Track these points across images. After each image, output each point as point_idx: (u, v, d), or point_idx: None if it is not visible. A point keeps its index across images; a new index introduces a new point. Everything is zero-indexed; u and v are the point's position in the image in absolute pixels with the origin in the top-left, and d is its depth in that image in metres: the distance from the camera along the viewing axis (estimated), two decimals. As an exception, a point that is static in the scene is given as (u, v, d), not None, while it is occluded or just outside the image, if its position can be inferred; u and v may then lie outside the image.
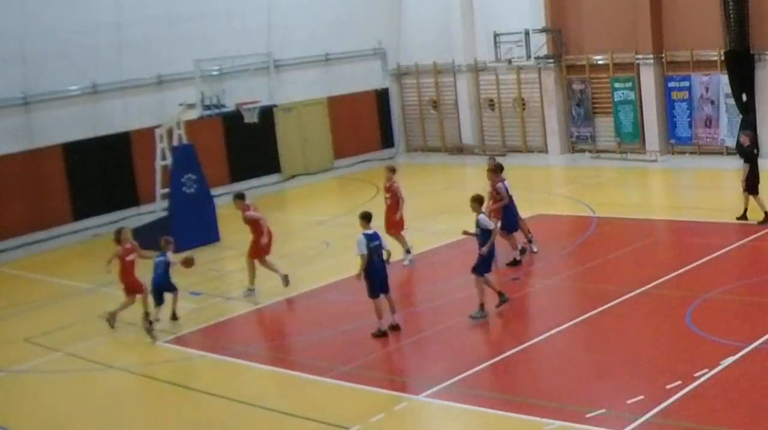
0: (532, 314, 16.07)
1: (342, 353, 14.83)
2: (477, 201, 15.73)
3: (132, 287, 16.78)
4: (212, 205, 23.20)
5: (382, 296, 15.30)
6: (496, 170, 18.76)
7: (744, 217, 20.08)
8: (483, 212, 15.86)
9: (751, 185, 19.93)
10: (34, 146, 25.07)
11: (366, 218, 15.51)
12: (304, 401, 13.17)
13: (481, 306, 15.47)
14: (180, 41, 27.28)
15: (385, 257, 15.36)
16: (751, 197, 19.98)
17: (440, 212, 21.00)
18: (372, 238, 15.15)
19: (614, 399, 11.91)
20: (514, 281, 17.59)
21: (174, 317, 17.01)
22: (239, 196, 18.67)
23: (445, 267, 19.05)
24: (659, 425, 11.12)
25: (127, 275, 16.75)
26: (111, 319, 16.90)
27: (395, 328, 15.27)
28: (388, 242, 16.90)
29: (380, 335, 15.15)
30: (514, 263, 18.40)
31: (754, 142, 20.92)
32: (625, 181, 26.89)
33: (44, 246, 24.62)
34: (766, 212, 19.81)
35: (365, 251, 14.99)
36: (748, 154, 20.22)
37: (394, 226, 19.33)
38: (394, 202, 19.31)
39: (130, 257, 16.77)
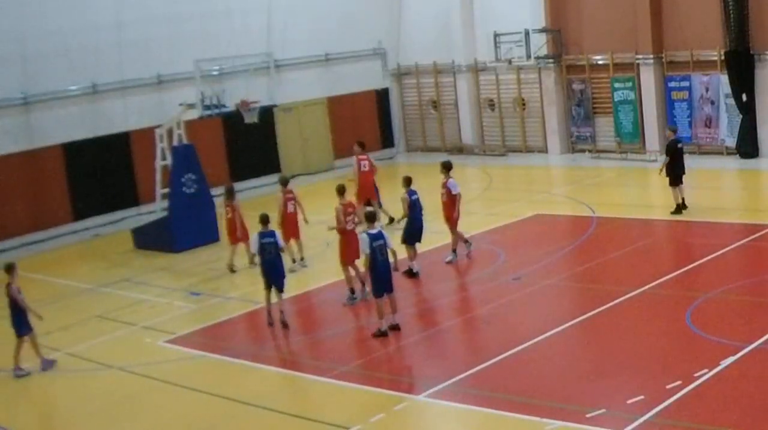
0: (532, 314, 16.06)
1: (342, 353, 14.84)
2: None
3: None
4: (212, 205, 23.20)
5: (385, 295, 15.32)
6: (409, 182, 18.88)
7: (684, 206, 21.25)
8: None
9: (675, 177, 21.23)
10: (34, 146, 25.07)
11: (370, 217, 15.60)
12: (304, 401, 13.18)
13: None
14: (180, 41, 27.29)
15: (390, 256, 15.41)
16: (671, 188, 21.35)
17: (440, 212, 20.94)
18: (375, 237, 15.18)
19: (614, 399, 11.91)
20: (516, 281, 17.60)
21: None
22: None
23: (445, 267, 19.04)
24: (659, 425, 11.12)
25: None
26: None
27: (395, 328, 15.28)
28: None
29: (380, 334, 15.15)
30: (412, 275, 18.32)
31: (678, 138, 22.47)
32: (625, 181, 26.87)
33: (44, 246, 24.62)
34: (678, 205, 21.21)
35: (368, 251, 15.06)
36: (672, 148, 21.40)
37: (451, 220, 19.43)
38: (450, 198, 19.32)
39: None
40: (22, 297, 15.20)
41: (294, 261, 19.69)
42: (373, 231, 15.30)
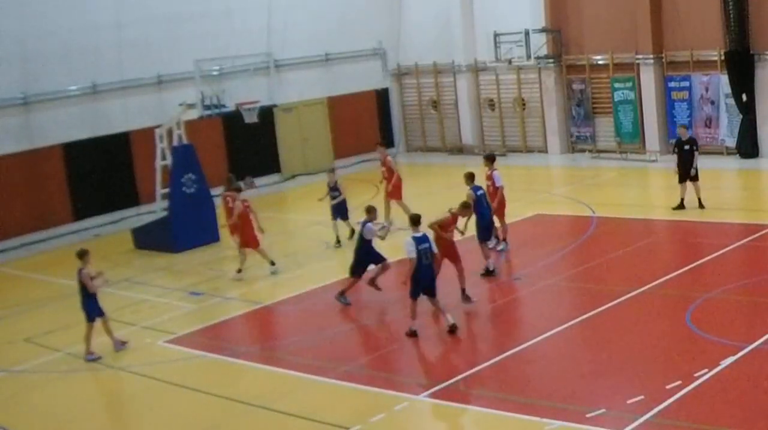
0: (533, 313, 16.07)
1: (342, 353, 14.84)
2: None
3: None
4: (212, 205, 23.19)
5: (419, 298, 15.05)
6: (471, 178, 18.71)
7: (683, 206, 21.67)
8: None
9: (685, 172, 21.68)
10: (34, 146, 25.08)
11: (415, 220, 15.23)
12: (304, 401, 13.17)
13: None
14: (180, 41, 27.31)
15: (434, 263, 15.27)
16: (689, 183, 21.69)
17: (440, 212, 20.96)
18: (421, 240, 14.87)
19: (614, 399, 11.91)
20: (516, 281, 17.60)
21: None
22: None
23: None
24: (659, 425, 11.12)
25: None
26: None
27: (453, 329, 14.95)
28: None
29: (412, 334, 14.97)
30: (488, 274, 17.96)
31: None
32: (625, 181, 26.89)
33: (44, 246, 24.62)
34: (682, 199, 21.73)
35: (414, 255, 14.70)
36: (693, 144, 21.90)
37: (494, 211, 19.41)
38: (495, 190, 19.38)
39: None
40: (94, 282, 15.55)
41: (238, 270, 19.58)
42: (419, 234, 14.93)
